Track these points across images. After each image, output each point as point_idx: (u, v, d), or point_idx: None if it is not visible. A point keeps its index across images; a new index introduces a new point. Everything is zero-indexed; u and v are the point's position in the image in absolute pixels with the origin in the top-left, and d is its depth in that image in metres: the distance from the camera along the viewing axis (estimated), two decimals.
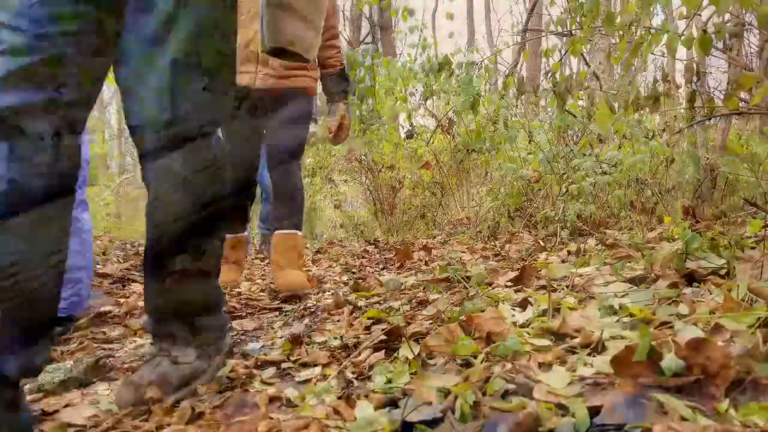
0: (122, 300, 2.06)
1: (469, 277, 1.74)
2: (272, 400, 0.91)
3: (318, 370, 1.07)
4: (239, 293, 2.40)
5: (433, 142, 5.39)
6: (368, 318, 1.40)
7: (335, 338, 1.30)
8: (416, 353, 0.98)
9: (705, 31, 1.68)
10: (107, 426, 0.91)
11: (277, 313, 1.91)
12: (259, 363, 1.19)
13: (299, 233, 2.37)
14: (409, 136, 4.64)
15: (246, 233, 2.46)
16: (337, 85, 2.46)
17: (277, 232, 2.36)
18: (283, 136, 2.36)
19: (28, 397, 1.05)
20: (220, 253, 1.16)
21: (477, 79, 3.87)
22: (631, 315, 1.02)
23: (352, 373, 1.00)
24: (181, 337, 1.09)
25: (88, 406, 1.01)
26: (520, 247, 2.65)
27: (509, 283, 1.58)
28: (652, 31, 1.99)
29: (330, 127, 2.41)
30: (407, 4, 4.62)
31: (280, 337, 1.46)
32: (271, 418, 0.81)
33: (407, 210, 6.05)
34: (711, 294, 1.07)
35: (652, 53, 2.13)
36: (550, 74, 2.84)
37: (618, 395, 0.63)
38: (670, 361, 0.66)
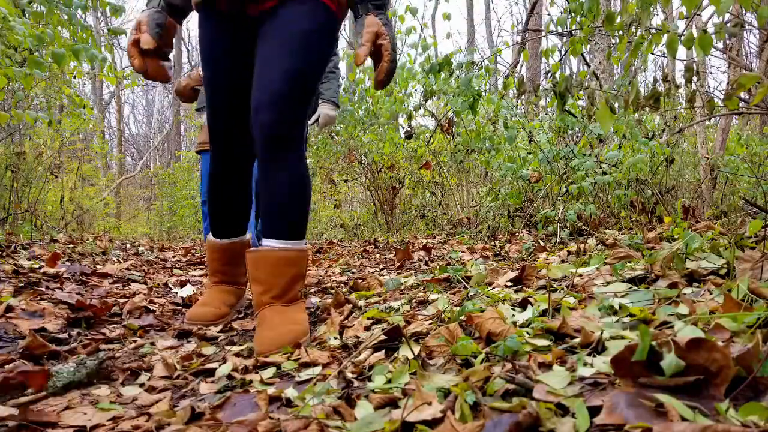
0: (122, 300, 2.06)
1: (469, 277, 1.74)
2: (272, 400, 0.91)
3: (318, 370, 1.07)
4: None
5: (433, 142, 5.40)
6: (368, 318, 1.40)
7: (335, 338, 1.30)
8: (416, 353, 0.98)
9: (705, 31, 1.68)
10: (107, 426, 0.91)
11: None
12: (259, 363, 1.19)
13: (301, 244, 1.53)
14: (408, 136, 4.64)
15: (249, 236, 1.86)
16: None
17: (265, 244, 1.51)
18: (276, 74, 1.44)
19: (26, 399, 1.05)
20: None
21: (477, 79, 3.86)
22: (631, 315, 1.02)
23: (352, 373, 1.00)
24: None
25: (87, 407, 1.01)
26: (520, 247, 2.65)
27: (509, 283, 1.58)
28: (652, 31, 1.99)
29: (359, 54, 1.44)
30: (409, 3, 4.59)
31: None
32: (271, 418, 0.81)
33: (407, 210, 6.05)
34: (711, 294, 1.07)
35: (652, 53, 2.13)
36: (550, 74, 2.84)
37: (618, 395, 0.63)
38: (670, 361, 0.66)
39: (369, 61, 5.62)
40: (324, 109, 3.19)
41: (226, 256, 1.80)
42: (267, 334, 1.35)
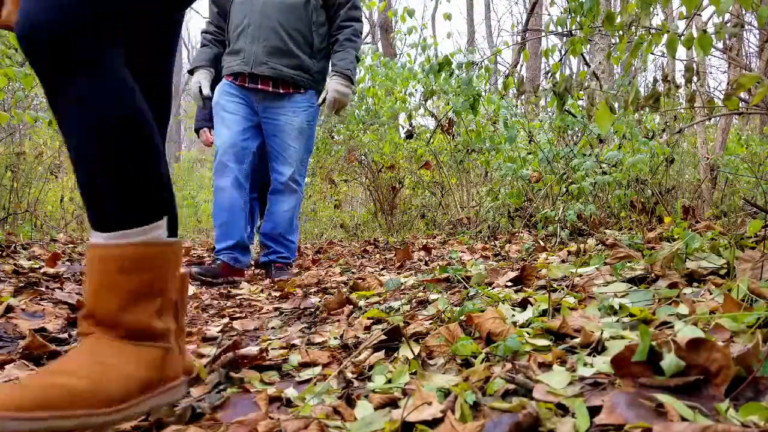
0: None
1: (469, 277, 1.74)
2: (272, 400, 0.91)
3: (318, 370, 1.07)
4: (237, 294, 2.40)
5: (433, 142, 5.40)
6: (368, 318, 1.40)
7: (335, 338, 1.30)
8: (416, 353, 0.98)
9: (705, 31, 1.68)
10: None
11: (276, 312, 1.91)
12: (259, 363, 1.19)
13: (141, 234, 0.79)
14: (409, 136, 4.64)
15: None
16: None
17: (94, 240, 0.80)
18: None
19: None
20: None
21: (477, 79, 3.87)
22: (631, 315, 1.02)
23: (352, 373, 1.00)
24: None
25: None
26: (520, 247, 2.65)
27: (509, 283, 1.58)
28: (652, 31, 1.99)
29: None
30: (407, 5, 4.62)
31: (279, 338, 1.45)
32: (271, 418, 0.81)
33: (407, 210, 6.05)
34: (711, 294, 1.07)
35: (652, 53, 2.13)
36: (550, 74, 2.84)
37: (618, 395, 0.63)
38: (670, 361, 0.66)
39: (369, 60, 5.57)
40: (334, 84, 2.48)
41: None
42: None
